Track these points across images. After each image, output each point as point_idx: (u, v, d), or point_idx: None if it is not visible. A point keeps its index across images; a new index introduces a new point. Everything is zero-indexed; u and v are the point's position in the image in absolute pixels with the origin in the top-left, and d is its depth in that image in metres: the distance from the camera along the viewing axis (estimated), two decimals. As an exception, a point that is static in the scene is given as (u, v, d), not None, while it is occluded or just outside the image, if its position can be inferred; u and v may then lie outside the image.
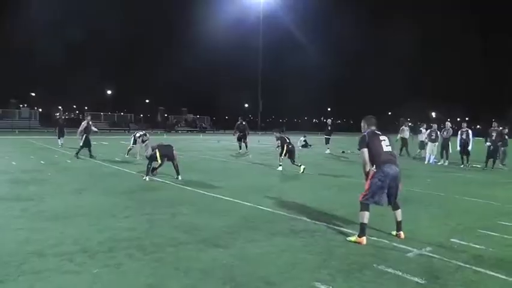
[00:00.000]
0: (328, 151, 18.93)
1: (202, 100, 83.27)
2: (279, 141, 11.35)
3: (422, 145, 16.50)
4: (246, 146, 17.70)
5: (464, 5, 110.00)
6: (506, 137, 14.40)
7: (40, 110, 62.69)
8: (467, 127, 14.38)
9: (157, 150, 8.88)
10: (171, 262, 3.86)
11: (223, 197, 7.14)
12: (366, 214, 4.60)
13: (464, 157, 14.06)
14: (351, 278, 3.56)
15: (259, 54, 40.09)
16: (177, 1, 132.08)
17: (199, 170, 11.04)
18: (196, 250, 4.22)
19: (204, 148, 21.08)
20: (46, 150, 16.94)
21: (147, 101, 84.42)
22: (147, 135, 13.18)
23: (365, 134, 4.87)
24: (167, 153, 9.08)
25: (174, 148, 9.32)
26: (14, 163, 11.80)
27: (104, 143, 21.59)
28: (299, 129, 62.32)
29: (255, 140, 28.53)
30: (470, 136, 14.00)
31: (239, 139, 17.62)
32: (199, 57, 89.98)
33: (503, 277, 3.65)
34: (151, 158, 8.94)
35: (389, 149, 4.77)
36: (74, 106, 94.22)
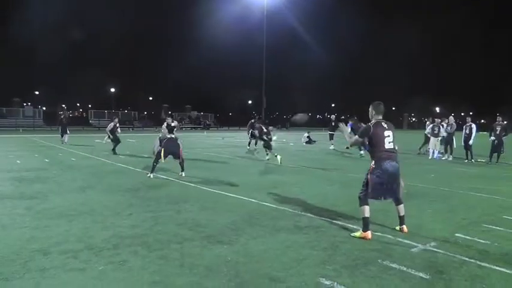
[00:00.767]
0: (332, 147, 18.88)
1: (206, 97, 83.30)
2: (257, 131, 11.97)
3: (426, 139, 16.41)
4: (256, 143, 17.32)
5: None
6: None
7: (44, 108, 62.88)
8: (471, 121, 14.32)
9: (162, 150, 8.82)
10: (176, 259, 3.87)
11: (227, 194, 7.15)
12: (366, 208, 4.60)
13: (468, 152, 14.00)
14: (356, 273, 3.56)
15: (262, 51, 40.29)
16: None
17: (204, 167, 11.06)
18: (200, 247, 4.23)
19: (209, 145, 21.10)
20: (50, 149, 17.02)
21: (150, 98, 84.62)
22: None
23: (370, 125, 4.76)
24: (173, 150, 9.05)
25: (181, 142, 9.25)
26: (18, 161, 11.88)
27: (108, 140, 21.57)
28: (303, 125, 62.19)
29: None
30: (473, 131, 13.92)
31: (253, 136, 17.11)
32: (203, 54, 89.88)
33: (509, 272, 3.64)
34: (158, 154, 8.89)
35: (391, 146, 4.70)
36: (78, 104, 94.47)
